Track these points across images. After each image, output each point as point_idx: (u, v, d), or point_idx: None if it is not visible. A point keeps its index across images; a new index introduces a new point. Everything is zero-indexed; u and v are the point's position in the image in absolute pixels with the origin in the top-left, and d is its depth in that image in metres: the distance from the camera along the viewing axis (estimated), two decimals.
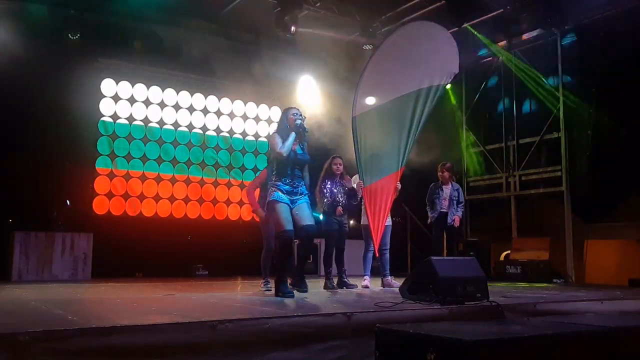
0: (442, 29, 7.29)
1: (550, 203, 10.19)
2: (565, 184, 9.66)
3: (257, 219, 6.85)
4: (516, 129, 10.65)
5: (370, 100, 7.28)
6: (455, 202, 7.69)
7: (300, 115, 5.56)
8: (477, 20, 10.01)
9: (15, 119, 8.74)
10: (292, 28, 9.54)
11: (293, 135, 5.36)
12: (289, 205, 5.26)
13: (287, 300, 4.83)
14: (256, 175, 7.43)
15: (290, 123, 5.44)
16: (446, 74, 6.99)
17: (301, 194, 5.39)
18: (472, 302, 4.54)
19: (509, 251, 10.03)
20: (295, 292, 5.28)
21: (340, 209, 6.80)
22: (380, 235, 6.98)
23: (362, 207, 7.17)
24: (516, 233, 10.37)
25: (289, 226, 5.18)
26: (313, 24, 10.15)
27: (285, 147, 5.28)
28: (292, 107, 5.71)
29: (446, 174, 7.76)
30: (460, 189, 7.94)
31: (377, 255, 7.11)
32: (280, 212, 5.20)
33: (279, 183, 5.31)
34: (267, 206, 5.44)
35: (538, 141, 10.23)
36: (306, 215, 5.29)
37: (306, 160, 5.53)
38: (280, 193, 5.27)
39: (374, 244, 7.00)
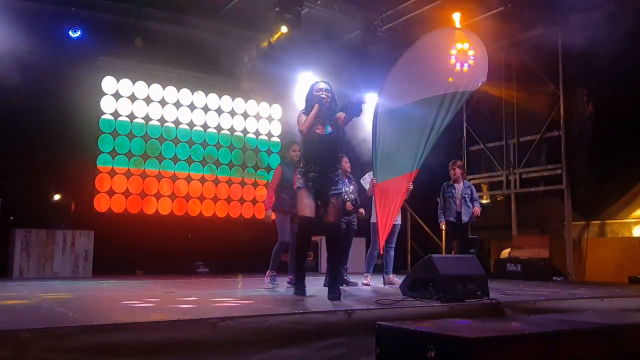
0: (477, 39, 7.22)
1: (550, 201, 10.19)
2: (566, 181, 9.66)
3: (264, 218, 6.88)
4: (516, 127, 10.65)
5: (394, 99, 7.23)
6: (468, 199, 7.63)
7: (328, 90, 4.95)
8: (478, 17, 9.99)
9: (16, 117, 8.75)
10: (284, 28, 9.55)
11: (315, 108, 4.82)
12: (313, 192, 4.81)
13: (288, 298, 4.83)
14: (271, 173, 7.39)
15: (314, 99, 4.89)
16: (473, 82, 6.92)
17: (333, 182, 4.84)
18: (473, 300, 4.55)
19: (509, 249, 10.03)
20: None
21: (349, 203, 6.78)
22: (387, 233, 6.96)
23: (373, 205, 7.16)
24: (516, 231, 10.38)
25: (310, 212, 4.78)
26: (314, 22, 10.15)
27: (306, 122, 4.80)
28: (319, 81, 5.07)
29: (458, 171, 7.73)
30: (473, 186, 7.88)
31: (382, 252, 7.10)
32: (300, 201, 4.83)
33: (304, 170, 4.86)
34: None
35: (538, 139, 10.23)
36: (333, 212, 4.79)
37: (335, 139, 4.90)
38: (304, 181, 4.82)
39: (379, 241, 6.99)
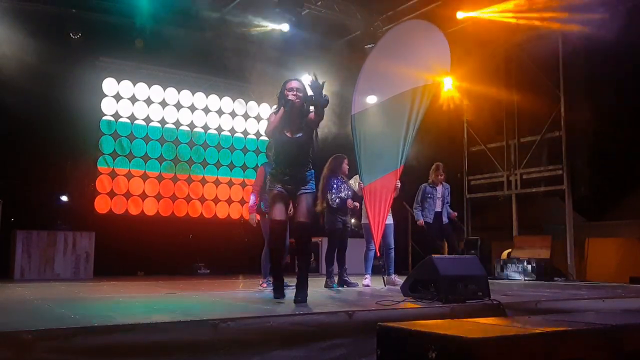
0: (435, 28, 7.27)
1: (551, 201, 10.19)
2: (566, 182, 9.65)
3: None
4: (517, 128, 10.64)
5: (369, 98, 7.29)
6: (445, 200, 7.76)
7: (299, 89, 4.73)
8: (478, 17, 9.98)
9: (17, 118, 8.74)
10: (287, 26, 9.60)
11: (281, 112, 4.65)
12: (283, 193, 4.69)
13: (289, 299, 4.81)
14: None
15: (283, 100, 4.70)
16: (438, 73, 6.97)
17: (303, 183, 4.70)
18: (474, 301, 4.55)
19: (510, 249, 10.03)
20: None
21: (350, 201, 6.79)
22: (380, 234, 6.98)
23: (363, 206, 7.18)
24: (517, 231, 10.37)
25: (281, 216, 4.68)
26: (314, 23, 10.16)
27: (271, 125, 4.68)
28: (291, 79, 4.87)
29: (444, 176, 7.81)
30: (449, 186, 7.96)
31: (379, 254, 7.10)
32: (271, 202, 4.74)
33: (274, 172, 4.75)
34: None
35: (539, 140, 10.23)
36: (302, 211, 4.64)
37: (305, 142, 4.72)
38: (274, 182, 4.71)
39: (374, 243, 7.01)
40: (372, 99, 7.29)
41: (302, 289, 4.58)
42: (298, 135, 4.68)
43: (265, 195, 5.96)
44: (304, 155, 4.74)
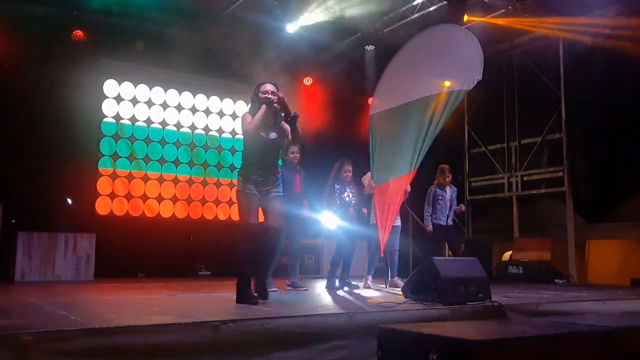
0: (469, 33, 7.12)
1: (552, 203, 10.18)
2: (567, 184, 9.65)
3: None
4: (518, 130, 10.65)
5: (389, 101, 7.22)
6: (453, 202, 7.77)
7: (275, 93, 4.83)
8: (480, 19, 9.99)
9: (18, 119, 8.74)
10: (291, 29, 9.63)
11: (263, 109, 4.71)
12: (256, 195, 4.70)
13: (289, 301, 4.83)
14: None
15: (261, 100, 4.79)
16: (469, 80, 6.74)
17: (274, 185, 4.77)
18: (474, 302, 4.54)
19: (510, 251, 10.03)
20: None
21: (351, 209, 6.81)
22: (387, 235, 6.95)
23: (372, 207, 7.16)
24: (518, 233, 10.37)
25: (254, 219, 4.68)
26: (314, 24, 10.16)
27: (253, 121, 4.73)
28: (265, 82, 4.93)
29: (450, 177, 7.83)
30: (456, 190, 7.98)
31: (382, 255, 7.09)
32: (243, 205, 4.69)
33: (246, 172, 4.78)
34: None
35: (540, 141, 10.23)
36: (274, 214, 4.72)
37: (279, 144, 4.87)
38: (246, 183, 4.70)
39: (379, 244, 6.99)
40: (392, 102, 7.21)
41: (261, 287, 4.83)
42: (272, 136, 4.80)
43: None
44: (275, 157, 4.91)
